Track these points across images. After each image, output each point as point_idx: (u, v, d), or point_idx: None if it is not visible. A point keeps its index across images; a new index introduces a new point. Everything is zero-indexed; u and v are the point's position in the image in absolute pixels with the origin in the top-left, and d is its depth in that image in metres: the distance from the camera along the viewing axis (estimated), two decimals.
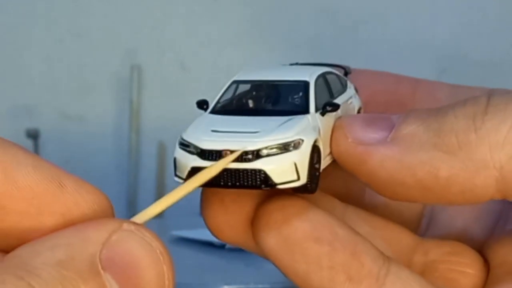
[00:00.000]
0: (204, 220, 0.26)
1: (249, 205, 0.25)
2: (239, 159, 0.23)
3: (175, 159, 0.25)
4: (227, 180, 0.23)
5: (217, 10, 1.31)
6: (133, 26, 1.31)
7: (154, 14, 1.31)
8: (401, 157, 0.23)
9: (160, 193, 1.22)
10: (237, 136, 0.24)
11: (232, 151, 0.23)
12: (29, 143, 1.24)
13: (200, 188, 0.26)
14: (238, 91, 0.27)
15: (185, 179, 0.24)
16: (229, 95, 0.27)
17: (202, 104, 0.27)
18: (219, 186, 0.24)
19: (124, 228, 0.20)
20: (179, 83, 1.30)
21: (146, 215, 0.22)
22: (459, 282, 0.26)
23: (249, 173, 0.23)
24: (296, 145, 0.23)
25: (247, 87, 0.27)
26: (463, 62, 1.27)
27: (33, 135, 1.25)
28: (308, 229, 0.24)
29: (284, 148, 0.23)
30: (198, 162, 0.24)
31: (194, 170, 0.24)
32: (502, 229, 0.28)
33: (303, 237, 0.24)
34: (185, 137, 0.25)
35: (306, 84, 0.26)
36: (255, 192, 0.25)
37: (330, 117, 0.25)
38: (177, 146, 0.25)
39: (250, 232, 0.25)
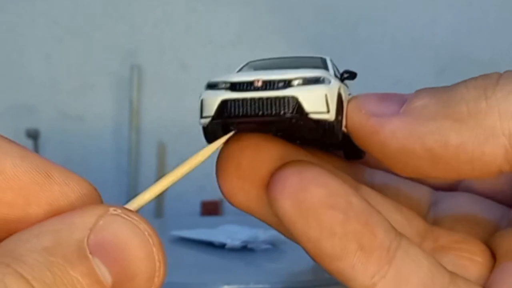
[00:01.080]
0: (219, 184, 0.26)
1: (265, 169, 0.25)
2: (270, 87, 0.23)
3: (201, 101, 0.24)
4: (258, 110, 0.23)
5: (217, 10, 1.31)
6: (133, 26, 1.31)
7: (154, 14, 1.31)
8: (412, 127, 0.24)
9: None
10: (267, 71, 0.24)
11: (264, 81, 0.23)
12: (29, 143, 1.24)
13: (215, 153, 0.26)
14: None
15: (213, 116, 0.24)
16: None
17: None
18: (247, 116, 0.24)
19: (110, 213, 0.20)
20: (179, 83, 1.30)
21: (140, 202, 0.22)
22: (468, 268, 0.26)
23: (280, 101, 0.23)
24: (325, 80, 0.24)
25: (262, 64, 0.27)
26: (463, 61, 1.27)
27: (33, 135, 1.25)
28: (324, 195, 0.24)
29: (315, 81, 0.24)
30: (228, 94, 0.24)
31: (224, 103, 0.24)
32: (509, 224, 0.28)
33: (319, 202, 0.24)
34: (212, 79, 0.25)
35: (323, 59, 0.27)
36: (273, 152, 0.25)
37: (346, 88, 0.26)
38: (204, 90, 0.25)
39: (263, 198, 0.25)
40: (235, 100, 0.24)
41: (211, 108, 0.24)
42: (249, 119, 0.24)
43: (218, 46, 1.31)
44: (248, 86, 0.24)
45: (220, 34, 1.31)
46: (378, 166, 0.30)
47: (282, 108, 0.23)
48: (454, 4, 1.29)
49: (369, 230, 0.24)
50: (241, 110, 0.23)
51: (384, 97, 0.25)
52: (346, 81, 0.28)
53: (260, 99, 0.23)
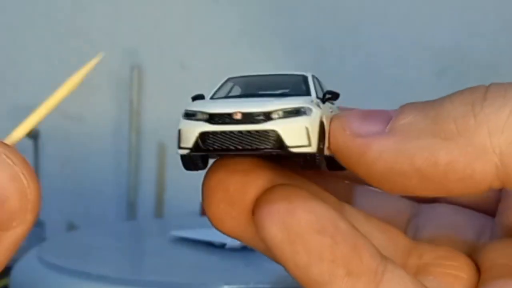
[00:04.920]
0: (205, 210, 0.25)
1: (253, 194, 0.25)
2: (250, 121, 0.23)
3: (179, 131, 0.24)
4: (237, 143, 0.23)
5: (217, 10, 1.31)
6: (133, 26, 1.31)
7: (154, 14, 1.31)
8: (399, 147, 0.23)
9: (160, 194, 1.23)
10: (247, 101, 0.24)
11: (243, 113, 0.23)
12: (29, 143, 1.24)
13: (201, 183, 0.25)
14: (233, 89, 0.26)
15: (192, 148, 0.23)
16: (224, 91, 0.26)
17: (198, 98, 0.26)
18: (228, 150, 0.23)
19: None
20: (179, 83, 1.30)
21: (13, 138, 0.22)
22: (453, 285, 0.26)
23: (261, 135, 0.23)
24: (307, 111, 0.23)
25: (242, 82, 0.27)
26: (463, 62, 1.27)
27: (33, 135, 1.25)
28: (312, 220, 0.23)
29: (296, 112, 0.23)
30: (207, 127, 0.23)
31: (202, 136, 0.23)
32: (492, 234, 0.28)
33: (306, 228, 0.23)
34: (190, 108, 0.24)
35: (304, 77, 0.26)
36: (261, 177, 0.25)
37: (328, 108, 0.25)
38: (182, 118, 0.24)
39: (251, 224, 0.25)
40: (214, 133, 0.23)
41: (189, 140, 0.23)
42: (228, 152, 0.23)
43: (218, 46, 1.31)
44: (227, 118, 0.23)
45: (220, 34, 1.31)
46: (358, 179, 0.30)
47: (262, 142, 0.23)
48: (454, 5, 1.29)
49: (356, 255, 0.24)
50: (220, 144, 0.23)
51: (368, 115, 0.24)
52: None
53: (240, 132, 0.23)
